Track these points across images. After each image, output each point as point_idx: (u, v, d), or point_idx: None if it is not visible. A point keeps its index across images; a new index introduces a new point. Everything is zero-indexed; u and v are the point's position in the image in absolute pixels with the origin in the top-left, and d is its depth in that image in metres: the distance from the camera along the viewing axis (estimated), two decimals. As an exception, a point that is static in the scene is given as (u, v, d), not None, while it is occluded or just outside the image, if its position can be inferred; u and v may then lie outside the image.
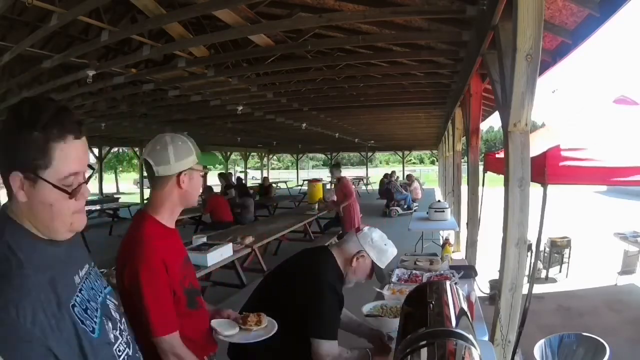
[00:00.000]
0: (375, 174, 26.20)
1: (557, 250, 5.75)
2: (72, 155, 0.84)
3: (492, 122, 49.81)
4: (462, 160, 6.85)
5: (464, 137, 5.52)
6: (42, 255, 0.85)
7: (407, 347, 1.12)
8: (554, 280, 5.58)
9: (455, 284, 2.08)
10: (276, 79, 6.15)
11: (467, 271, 2.92)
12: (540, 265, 5.64)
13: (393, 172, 16.83)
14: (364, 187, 22.85)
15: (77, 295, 0.88)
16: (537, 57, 1.93)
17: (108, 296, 1.02)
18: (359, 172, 33.91)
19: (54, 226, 0.86)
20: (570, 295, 5.03)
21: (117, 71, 5.19)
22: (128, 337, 1.02)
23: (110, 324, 0.95)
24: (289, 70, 5.70)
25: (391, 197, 12.76)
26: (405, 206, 12.52)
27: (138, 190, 17.85)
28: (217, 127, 11.70)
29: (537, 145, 2.30)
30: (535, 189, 2.14)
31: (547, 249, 5.75)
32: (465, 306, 1.34)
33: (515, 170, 2.10)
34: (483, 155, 4.65)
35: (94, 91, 6.49)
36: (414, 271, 2.88)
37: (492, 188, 4.08)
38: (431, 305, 1.31)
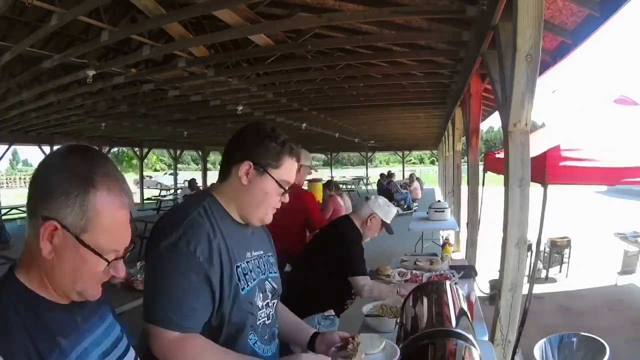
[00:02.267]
0: (375, 174, 26.21)
1: (557, 250, 5.75)
2: (291, 171, 1.19)
3: (492, 122, 49.77)
4: (462, 160, 6.85)
5: (464, 137, 5.52)
6: (228, 228, 1.14)
7: (408, 347, 1.12)
8: (554, 280, 5.58)
9: (455, 284, 2.09)
10: (276, 79, 6.15)
11: (467, 271, 2.92)
12: (540, 265, 5.63)
13: (389, 172, 16.58)
14: (363, 187, 22.86)
15: (243, 263, 1.15)
16: (537, 57, 1.93)
17: (270, 279, 1.26)
18: (359, 172, 33.93)
19: (253, 213, 1.17)
20: (570, 295, 5.03)
21: (117, 71, 5.19)
22: (274, 315, 1.26)
23: (261, 295, 1.20)
24: (289, 70, 5.69)
25: (391, 197, 12.76)
26: (405, 206, 12.52)
27: (138, 191, 17.83)
28: (217, 127, 11.69)
29: (537, 145, 2.30)
30: (535, 189, 2.14)
31: (547, 249, 5.75)
32: (465, 306, 1.34)
33: (515, 170, 2.10)
34: (483, 155, 4.66)
35: (94, 91, 6.48)
36: (414, 271, 2.87)
37: (492, 188, 4.08)
38: (431, 305, 1.31)
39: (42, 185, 0.73)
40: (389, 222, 2.51)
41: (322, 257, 2.41)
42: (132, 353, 0.89)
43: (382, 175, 15.42)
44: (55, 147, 13.30)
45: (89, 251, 0.72)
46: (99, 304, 0.83)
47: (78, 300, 0.76)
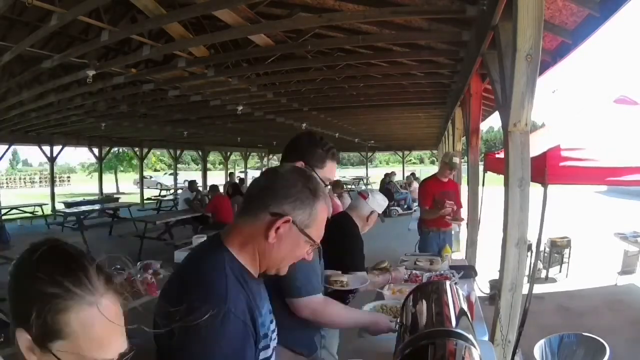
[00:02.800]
0: (375, 174, 26.20)
1: (557, 250, 5.75)
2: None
3: (492, 122, 49.78)
4: (462, 160, 6.85)
5: (464, 137, 5.52)
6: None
7: (408, 346, 1.12)
8: (554, 280, 5.58)
9: (455, 284, 2.08)
10: (276, 79, 6.15)
11: (467, 271, 2.92)
12: (540, 265, 5.64)
13: (392, 172, 16.81)
14: (363, 187, 22.87)
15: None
16: (537, 57, 1.92)
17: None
18: (359, 172, 33.92)
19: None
20: (570, 295, 5.03)
21: (117, 71, 5.19)
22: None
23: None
24: (289, 70, 5.70)
25: (391, 197, 12.76)
26: (405, 206, 12.53)
27: (138, 191, 17.84)
28: (217, 127, 11.70)
29: (537, 145, 2.30)
30: (535, 189, 2.14)
31: (547, 249, 5.75)
32: (465, 306, 1.34)
33: (515, 170, 2.10)
34: (483, 155, 4.65)
35: (94, 91, 6.49)
36: (414, 271, 2.87)
37: (492, 188, 4.08)
38: (431, 305, 1.31)
39: (278, 192, 1.00)
40: (381, 211, 2.74)
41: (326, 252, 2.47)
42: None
43: (386, 175, 15.46)
44: (56, 147, 13.37)
45: (307, 240, 1.02)
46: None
47: (273, 274, 1.06)
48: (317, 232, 1.05)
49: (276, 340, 1.13)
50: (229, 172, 19.21)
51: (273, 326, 1.11)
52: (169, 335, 0.90)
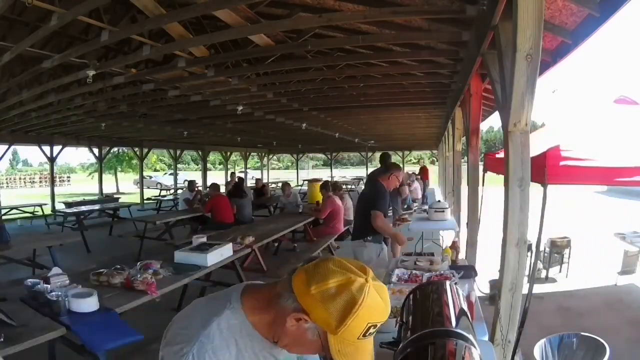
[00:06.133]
0: (375, 174, 26.14)
1: (557, 250, 5.75)
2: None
3: (492, 122, 49.80)
4: (462, 160, 6.85)
5: (464, 137, 5.51)
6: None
7: (408, 347, 1.12)
8: (554, 280, 5.58)
9: (455, 284, 2.08)
10: (276, 79, 6.14)
11: (467, 271, 2.92)
12: (540, 265, 5.64)
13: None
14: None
15: None
16: (537, 57, 1.92)
17: None
18: (359, 172, 33.90)
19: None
20: (570, 295, 5.03)
21: (117, 71, 5.19)
22: None
23: None
24: (289, 70, 5.69)
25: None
26: (405, 206, 12.50)
27: (138, 191, 17.84)
28: (217, 127, 11.70)
29: (537, 145, 2.30)
30: (535, 189, 2.14)
31: (547, 249, 5.75)
32: (465, 306, 1.34)
33: (515, 170, 2.10)
34: (483, 155, 4.65)
35: (94, 91, 6.49)
36: (414, 271, 2.87)
37: (492, 188, 4.08)
38: (431, 305, 1.31)
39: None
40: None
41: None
42: None
43: None
44: (56, 147, 13.37)
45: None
46: None
47: None
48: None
49: None
50: (229, 172, 19.16)
51: None
52: None
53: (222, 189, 9.99)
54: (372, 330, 0.87)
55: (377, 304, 0.86)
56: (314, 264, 0.89)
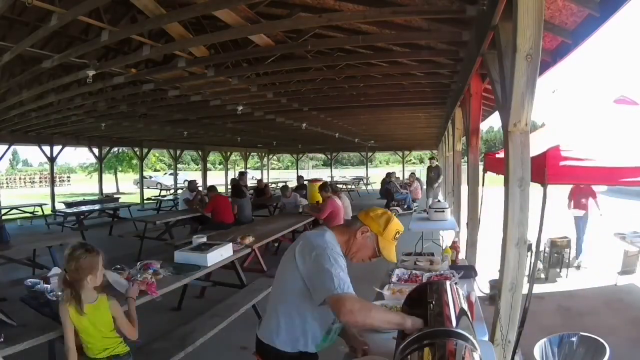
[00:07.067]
0: (375, 174, 26.19)
1: (557, 250, 5.74)
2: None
3: (492, 122, 49.87)
4: (462, 160, 6.85)
5: (464, 137, 5.51)
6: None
7: (408, 347, 1.12)
8: (554, 280, 5.58)
9: (455, 284, 2.08)
10: (276, 79, 6.15)
11: (467, 271, 2.93)
12: (540, 265, 5.63)
13: (393, 172, 16.81)
14: (363, 187, 22.86)
15: None
16: (537, 57, 1.92)
17: None
18: (359, 172, 33.90)
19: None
20: (570, 295, 5.02)
21: (117, 71, 5.19)
22: None
23: None
24: (289, 70, 5.70)
25: (391, 197, 12.75)
26: (405, 206, 12.51)
27: (138, 191, 17.84)
28: (217, 127, 11.71)
29: (537, 145, 2.30)
30: (535, 189, 2.14)
31: (547, 249, 5.75)
32: (465, 306, 1.34)
33: (515, 170, 2.10)
34: (483, 155, 4.65)
35: (94, 91, 6.49)
36: (414, 271, 2.87)
37: (492, 188, 4.08)
38: (431, 305, 1.31)
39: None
40: None
41: None
42: None
43: (388, 174, 15.47)
44: (56, 147, 13.36)
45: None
46: None
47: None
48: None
49: None
50: (238, 171, 19.08)
51: None
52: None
53: (222, 190, 9.94)
54: (397, 235, 1.78)
55: (398, 221, 1.81)
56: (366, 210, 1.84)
